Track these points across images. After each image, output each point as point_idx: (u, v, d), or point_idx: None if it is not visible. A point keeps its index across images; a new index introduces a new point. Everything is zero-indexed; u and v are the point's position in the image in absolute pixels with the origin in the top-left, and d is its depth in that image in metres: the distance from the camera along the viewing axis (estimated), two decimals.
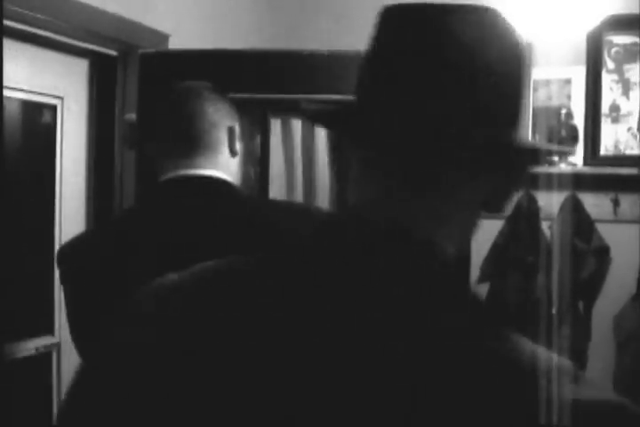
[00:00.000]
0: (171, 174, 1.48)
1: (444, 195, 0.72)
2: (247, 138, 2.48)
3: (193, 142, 1.49)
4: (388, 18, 0.74)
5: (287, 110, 2.38)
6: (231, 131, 1.54)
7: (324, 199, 2.42)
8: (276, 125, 2.44)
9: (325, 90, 2.28)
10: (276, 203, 1.76)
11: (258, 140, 2.41)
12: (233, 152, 1.54)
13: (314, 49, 2.36)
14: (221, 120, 1.53)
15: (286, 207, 1.64)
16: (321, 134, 2.44)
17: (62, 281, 1.49)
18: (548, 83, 3.00)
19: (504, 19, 0.73)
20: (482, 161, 0.72)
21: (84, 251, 1.48)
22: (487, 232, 2.91)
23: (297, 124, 2.46)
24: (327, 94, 2.29)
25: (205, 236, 1.41)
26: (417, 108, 0.70)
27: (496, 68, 0.71)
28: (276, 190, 2.41)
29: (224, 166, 1.51)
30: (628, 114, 2.89)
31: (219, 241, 1.40)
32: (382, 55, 0.73)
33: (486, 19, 0.72)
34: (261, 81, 2.29)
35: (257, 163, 2.43)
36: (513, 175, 0.74)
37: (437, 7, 0.72)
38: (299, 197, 2.46)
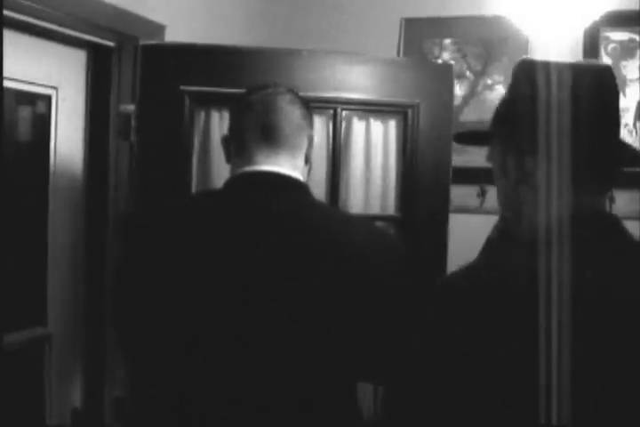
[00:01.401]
0: (250, 168, 1.52)
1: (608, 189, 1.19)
2: None
3: (279, 142, 1.53)
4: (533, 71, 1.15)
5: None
6: (311, 139, 1.60)
7: (318, 195, 2.44)
8: None
9: (320, 88, 2.33)
10: (343, 212, 1.80)
11: None
12: (307, 160, 1.60)
13: (313, 49, 2.42)
14: (305, 127, 1.58)
15: (360, 220, 1.69)
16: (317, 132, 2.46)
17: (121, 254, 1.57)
18: None
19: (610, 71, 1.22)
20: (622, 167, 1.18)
21: (153, 230, 1.51)
22: (482, 227, 2.91)
23: None
24: (321, 92, 2.33)
25: (280, 233, 1.45)
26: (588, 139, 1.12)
27: (613, 102, 1.18)
28: None
29: (301, 170, 1.57)
30: (625, 110, 2.89)
31: (292, 238, 1.45)
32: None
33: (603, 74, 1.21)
34: (258, 77, 2.31)
35: None
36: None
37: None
38: None
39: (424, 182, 2.39)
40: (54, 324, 2.33)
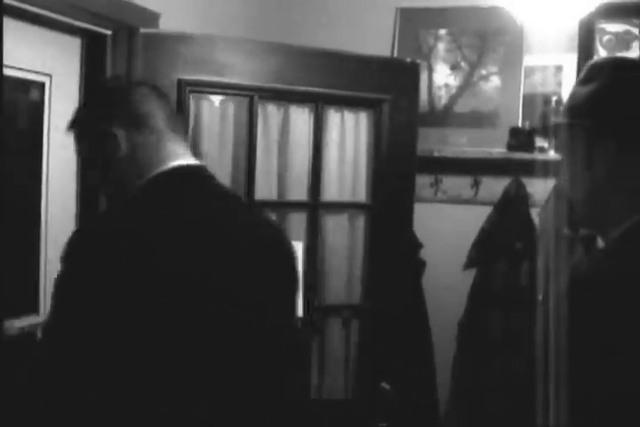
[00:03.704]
0: (174, 163, 1.49)
1: None
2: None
3: (181, 135, 1.55)
4: None
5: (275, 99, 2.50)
6: None
7: (300, 182, 2.60)
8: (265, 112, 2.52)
9: (304, 82, 2.44)
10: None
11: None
12: None
13: (310, 46, 2.54)
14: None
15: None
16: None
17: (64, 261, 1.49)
18: (539, 69, 3.00)
19: None
20: None
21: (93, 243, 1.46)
22: (475, 218, 2.92)
23: (281, 112, 2.55)
24: (306, 86, 2.44)
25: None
26: None
27: None
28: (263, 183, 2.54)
29: None
30: None
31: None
32: None
33: None
34: (254, 69, 2.36)
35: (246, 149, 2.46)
36: None
37: None
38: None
39: (391, 171, 2.59)
40: (47, 312, 2.33)
